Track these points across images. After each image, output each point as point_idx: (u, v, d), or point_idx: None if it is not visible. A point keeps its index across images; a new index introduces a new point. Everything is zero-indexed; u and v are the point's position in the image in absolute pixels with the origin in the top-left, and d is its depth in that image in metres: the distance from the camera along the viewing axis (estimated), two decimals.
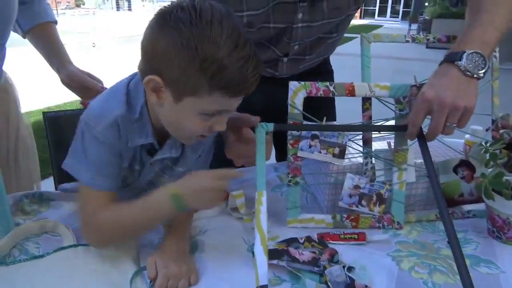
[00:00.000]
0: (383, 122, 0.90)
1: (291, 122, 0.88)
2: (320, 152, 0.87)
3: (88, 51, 8.57)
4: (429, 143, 0.82)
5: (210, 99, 0.70)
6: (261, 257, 0.69)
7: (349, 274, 0.70)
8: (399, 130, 0.87)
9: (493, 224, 0.86)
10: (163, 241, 0.80)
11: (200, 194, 0.72)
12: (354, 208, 0.90)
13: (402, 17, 19.20)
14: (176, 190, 0.72)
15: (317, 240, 0.81)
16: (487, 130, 1.02)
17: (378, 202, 0.89)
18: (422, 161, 0.92)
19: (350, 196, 0.89)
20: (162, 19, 0.71)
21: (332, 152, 0.87)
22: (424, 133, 0.81)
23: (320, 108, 1.12)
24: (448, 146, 0.97)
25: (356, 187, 0.89)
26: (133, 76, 0.81)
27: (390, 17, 20.66)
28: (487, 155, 0.85)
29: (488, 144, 0.85)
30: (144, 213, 0.74)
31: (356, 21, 19.47)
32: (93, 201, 0.77)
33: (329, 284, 0.69)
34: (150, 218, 0.75)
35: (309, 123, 0.88)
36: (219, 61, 0.68)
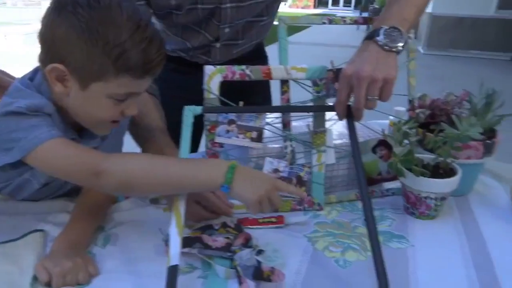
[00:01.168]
0: (302, 104, 0.90)
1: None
2: (238, 137, 0.86)
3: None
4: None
5: (117, 82, 0.70)
6: (175, 238, 0.67)
7: (257, 258, 0.69)
8: (327, 110, 0.88)
9: (407, 201, 0.89)
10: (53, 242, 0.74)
11: (254, 180, 0.69)
12: None
13: (354, 6, 19.60)
14: (235, 163, 0.70)
15: (232, 226, 0.80)
16: (408, 110, 1.04)
17: (298, 185, 0.89)
18: (341, 142, 0.94)
19: None
20: (60, 6, 0.69)
21: (250, 136, 0.86)
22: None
23: (253, 94, 1.11)
24: (367, 127, 0.99)
25: (276, 170, 0.89)
26: (34, 72, 0.77)
27: (343, 6, 21.04)
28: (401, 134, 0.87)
29: (401, 123, 0.87)
30: (186, 169, 0.70)
31: (310, 10, 19.67)
32: (78, 151, 0.71)
33: (238, 268, 0.68)
34: (188, 177, 0.70)
35: (235, 106, 0.87)
36: (122, 43, 0.67)
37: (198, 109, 0.82)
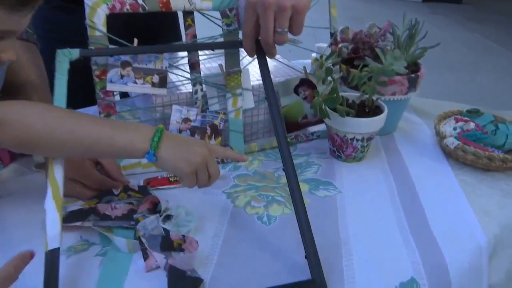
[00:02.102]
0: (211, 40, 0.77)
1: (93, 47, 0.70)
2: (136, 83, 0.71)
3: None
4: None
5: None
6: (53, 215, 0.54)
7: (164, 226, 0.58)
8: (233, 46, 0.75)
9: (333, 144, 0.82)
10: None
11: (186, 146, 0.57)
12: None
13: None
14: (162, 127, 0.57)
15: (136, 189, 0.67)
16: (330, 45, 0.95)
17: (213, 135, 0.78)
18: (261, 83, 0.83)
19: (180, 131, 0.76)
20: None
21: (150, 80, 0.72)
22: None
23: (159, 31, 0.95)
24: (287, 65, 0.89)
25: (186, 120, 0.76)
26: None
27: None
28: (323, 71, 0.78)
29: (323, 58, 0.78)
30: (101, 131, 0.56)
31: None
32: None
33: (142, 239, 0.57)
34: (103, 140, 0.56)
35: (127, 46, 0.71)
36: None
37: (74, 53, 0.65)
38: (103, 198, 0.65)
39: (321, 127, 0.90)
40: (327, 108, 0.74)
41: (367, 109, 0.79)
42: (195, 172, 0.57)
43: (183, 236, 0.56)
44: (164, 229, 0.57)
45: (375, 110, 0.80)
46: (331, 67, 0.77)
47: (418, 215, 0.68)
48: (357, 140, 0.78)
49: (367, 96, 0.79)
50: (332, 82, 0.78)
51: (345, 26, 0.96)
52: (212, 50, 0.76)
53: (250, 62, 0.81)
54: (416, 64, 0.91)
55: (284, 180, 0.76)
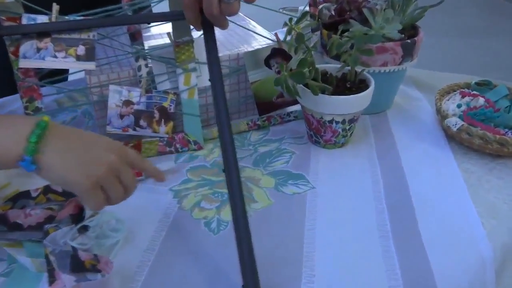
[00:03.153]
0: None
1: (3, 18, 0.57)
2: (56, 56, 0.58)
3: None
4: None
5: None
6: None
7: (73, 243, 0.46)
8: (175, 18, 0.60)
9: (310, 127, 0.68)
10: None
11: (84, 149, 0.42)
12: (131, 132, 0.65)
13: None
14: (47, 119, 0.41)
15: (59, 190, 0.55)
16: (308, 5, 0.80)
17: (163, 120, 0.65)
18: (225, 54, 0.69)
19: (121, 116, 0.64)
20: None
21: (75, 53, 0.59)
22: None
23: None
24: (256, 33, 0.74)
25: (127, 103, 0.63)
26: None
27: None
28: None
29: (292, 22, 0.63)
30: None
31: None
32: None
33: (50, 257, 0.45)
34: None
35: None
36: None
37: None
38: (18, 202, 0.54)
39: (299, 106, 0.76)
40: (296, 85, 0.59)
41: (348, 84, 0.64)
42: (99, 187, 0.42)
43: (95, 255, 0.45)
44: (73, 246, 0.45)
45: (360, 85, 0.65)
46: (308, 32, 0.62)
47: (406, 217, 0.54)
48: (337, 122, 0.64)
49: (349, 68, 0.65)
50: (306, 52, 0.63)
51: None
52: (148, 23, 0.61)
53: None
54: (415, 28, 0.76)
55: (247, 173, 0.63)
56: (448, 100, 0.74)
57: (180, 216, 0.55)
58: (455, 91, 0.76)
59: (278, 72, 0.72)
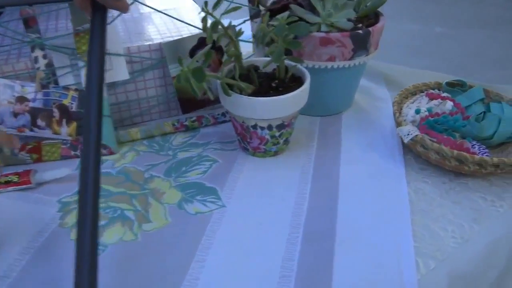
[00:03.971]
0: None
1: None
2: None
3: None
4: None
5: None
6: None
7: None
8: (59, 0, 0.51)
9: (236, 131, 0.58)
10: None
11: None
12: (28, 133, 0.57)
13: None
14: None
15: None
16: None
17: (64, 120, 0.57)
18: (144, 44, 0.60)
19: (15, 114, 0.56)
20: None
21: None
22: None
23: None
24: (180, 20, 0.64)
25: (21, 99, 0.55)
26: None
27: None
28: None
29: (207, 7, 0.52)
30: None
31: None
32: None
33: None
34: None
35: None
36: None
37: None
38: None
39: None
40: (196, 83, 0.49)
41: (274, 83, 0.54)
42: None
43: None
44: None
45: (291, 84, 0.54)
46: (246, 20, 0.52)
47: (321, 253, 0.44)
48: (262, 128, 0.54)
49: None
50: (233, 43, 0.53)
51: None
52: (30, 5, 0.53)
53: (120, 15, 0.58)
54: (377, 16, 0.64)
55: (154, 184, 0.54)
56: (413, 103, 0.62)
57: (55, 235, 0.47)
58: (422, 92, 0.64)
59: (208, 66, 0.62)
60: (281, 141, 0.56)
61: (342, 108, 0.67)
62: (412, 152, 0.58)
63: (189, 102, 0.63)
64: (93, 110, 0.41)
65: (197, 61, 0.49)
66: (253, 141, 0.56)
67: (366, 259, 0.43)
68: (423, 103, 0.61)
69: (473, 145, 0.54)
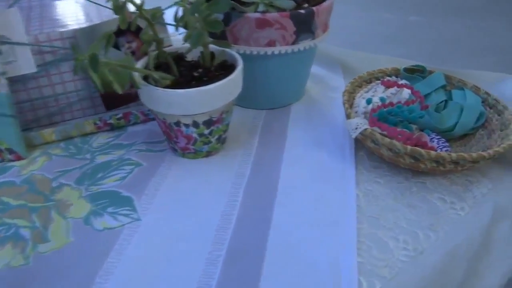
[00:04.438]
0: None
1: None
2: None
3: None
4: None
5: None
6: None
7: None
8: None
9: (161, 130, 0.50)
10: None
11: None
12: None
13: None
14: None
15: None
16: None
17: None
18: (51, 31, 0.52)
19: None
20: None
21: None
22: None
23: None
24: (97, 3, 0.55)
25: None
26: None
27: None
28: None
29: None
30: None
31: None
32: None
33: None
34: None
35: None
36: None
37: None
38: None
39: None
40: (92, 72, 0.41)
41: (196, 73, 0.46)
42: None
43: None
44: None
45: (219, 74, 0.46)
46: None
47: (246, 274, 0.36)
48: (186, 125, 0.46)
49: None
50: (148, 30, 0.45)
51: None
52: None
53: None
54: None
55: (62, 194, 0.46)
56: (367, 92, 0.55)
57: None
58: (378, 79, 0.57)
59: (132, 53, 0.55)
60: (213, 139, 0.49)
61: (291, 100, 0.60)
62: (365, 148, 0.50)
63: (114, 97, 0.55)
64: None
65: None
66: (179, 141, 0.48)
67: (299, 280, 0.36)
68: (379, 92, 0.54)
69: (432, 138, 0.47)
